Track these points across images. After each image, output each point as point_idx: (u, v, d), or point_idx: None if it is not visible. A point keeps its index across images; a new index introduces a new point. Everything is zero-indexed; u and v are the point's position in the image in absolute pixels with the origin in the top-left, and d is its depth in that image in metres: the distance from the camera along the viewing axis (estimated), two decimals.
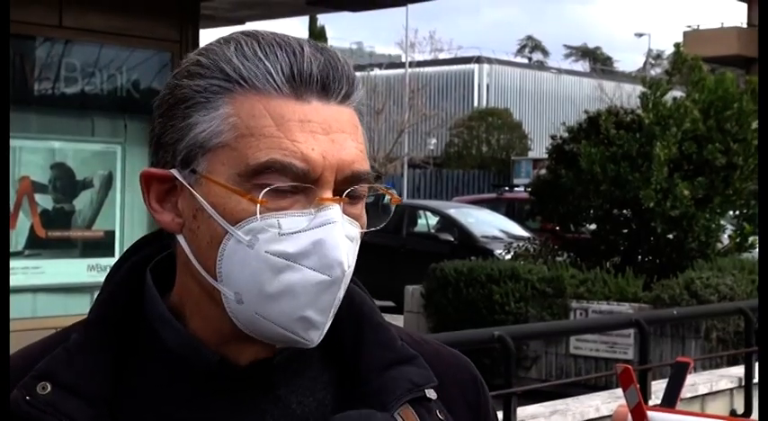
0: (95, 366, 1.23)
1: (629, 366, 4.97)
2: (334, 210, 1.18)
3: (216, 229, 1.19)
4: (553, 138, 13.68)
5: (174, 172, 1.22)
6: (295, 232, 1.17)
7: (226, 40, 1.24)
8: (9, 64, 6.48)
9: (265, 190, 1.17)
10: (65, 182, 7.68)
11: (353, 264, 1.22)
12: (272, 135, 1.18)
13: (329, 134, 1.20)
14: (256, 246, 1.17)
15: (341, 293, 1.21)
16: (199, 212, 1.21)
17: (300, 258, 1.17)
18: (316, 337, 1.20)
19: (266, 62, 1.20)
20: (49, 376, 1.21)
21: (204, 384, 1.24)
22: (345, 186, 1.20)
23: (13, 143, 7.30)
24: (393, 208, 1.30)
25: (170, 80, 1.26)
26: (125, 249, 1.35)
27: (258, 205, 1.17)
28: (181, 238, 1.24)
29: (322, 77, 1.21)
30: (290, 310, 1.18)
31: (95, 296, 1.32)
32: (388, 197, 1.28)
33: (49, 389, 1.20)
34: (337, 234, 1.17)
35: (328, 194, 1.19)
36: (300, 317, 1.18)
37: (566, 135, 13.28)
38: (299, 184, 1.18)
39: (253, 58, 1.20)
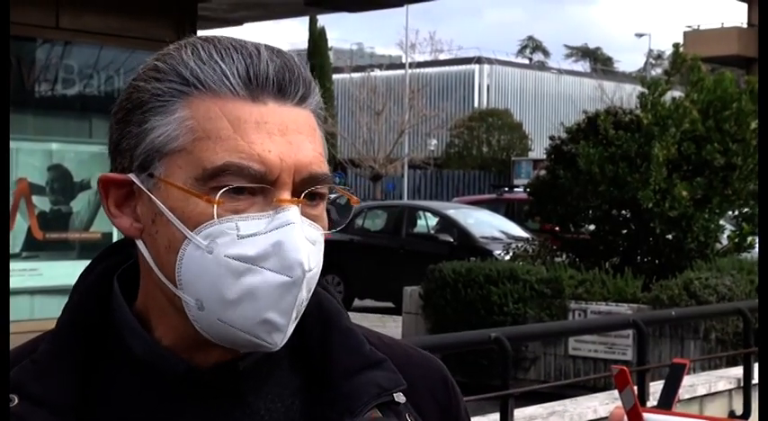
0: (63, 376, 1.23)
1: (625, 368, 4.96)
2: (293, 212, 1.18)
3: (174, 234, 1.19)
4: (552, 138, 13.68)
5: (132, 176, 1.22)
6: (254, 234, 1.17)
7: (183, 45, 1.24)
8: (9, 65, 6.46)
9: (222, 190, 1.16)
10: (62, 183, 7.69)
11: (318, 267, 1.22)
12: (229, 137, 1.18)
13: (286, 135, 1.20)
14: (215, 250, 1.17)
15: (303, 294, 1.20)
16: (158, 217, 1.20)
17: (260, 261, 1.17)
18: (279, 340, 1.20)
19: (222, 65, 1.20)
20: (16, 388, 1.21)
21: (172, 392, 1.24)
22: (303, 188, 1.20)
23: (10, 145, 7.30)
24: (353, 209, 1.30)
25: (128, 84, 1.26)
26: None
27: (215, 206, 1.16)
28: (140, 244, 1.23)
29: (278, 79, 1.21)
30: (252, 314, 1.17)
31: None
32: (345, 198, 1.28)
33: (17, 400, 1.20)
34: (296, 235, 1.17)
35: (286, 196, 1.18)
36: (263, 319, 1.18)
37: (564, 135, 13.27)
38: (257, 185, 1.18)
39: (209, 60, 1.20)
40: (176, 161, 1.19)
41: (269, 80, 1.20)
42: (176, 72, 1.21)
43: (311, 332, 1.29)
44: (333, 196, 1.26)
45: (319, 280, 1.27)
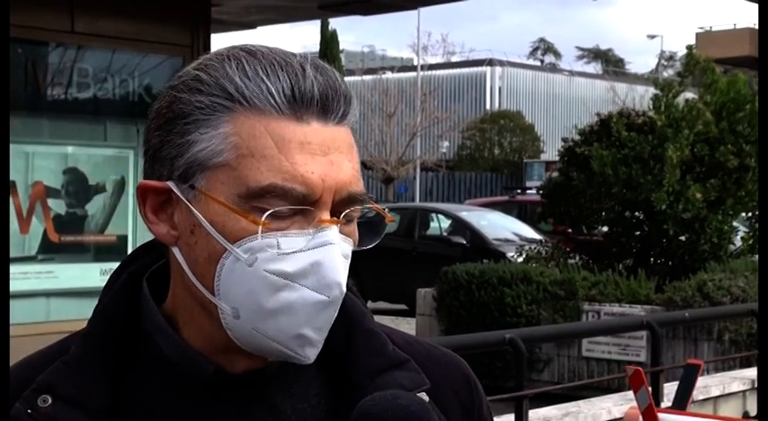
0: (94, 378, 1.25)
1: (640, 368, 4.97)
2: (333, 232, 1.20)
3: (215, 246, 1.21)
4: (565, 140, 13.68)
5: (172, 185, 1.24)
6: (293, 252, 1.19)
7: (226, 57, 1.24)
8: (9, 65, 6.51)
9: (267, 213, 1.18)
10: (77, 187, 7.72)
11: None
12: (273, 157, 1.19)
13: (327, 155, 1.21)
14: (255, 264, 1.19)
15: (336, 312, 1.23)
16: (197, 228, 1.22)
17: (299, 278, 1.19)
18: (312, 354, 1.22)
19: (268, 82, 1.21)
20: (49, 389, 1.23)
21: (201, 393, 1.26)
22: (342, 207, 1.22)
23: (26, 148, 7.34)
24: (385, 228, 1.31)
25: (166, 91, 1.26)
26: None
27: (260, 227, 1.18)
28: (176, 251, 1.25)
29: (322, 99, 1.22)
30: (287, 328, 1.20)
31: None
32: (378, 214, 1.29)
33: (50, 401, 1.23)
34: (336, 255, 1.19)
35: (326, 216, 1.20)
36: (297, 334, 1.20)
37: (577, 137, 13.27)
38: (299, 207, 1.19)
39: (254, 77, 1.21)
40: (219, 176, 1.21)
41: (314, 100, 1.21)
42: (220, 86, 1.22)
43: (336, 333, 1.31)
44: (364, 217, 1.27)
45: None
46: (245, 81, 1.21)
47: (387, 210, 1.29)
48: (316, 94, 1.21)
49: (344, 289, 1.21)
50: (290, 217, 1.20)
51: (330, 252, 1.19)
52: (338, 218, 1.21)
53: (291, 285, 1.19)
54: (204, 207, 1.21)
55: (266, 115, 1.20)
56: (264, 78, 1.21)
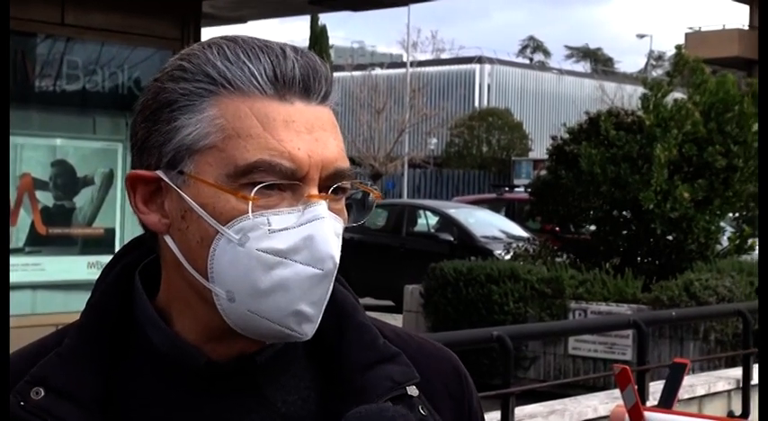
0: (87, 370, 1.26)
1: (627, 367, 4.98)
2: (322, 207, 1.22)
3: (206, 230, 1.22)
4: (554, 138, 13.70)
5: (161, 173, 1.25)
6: (285, 229, 1.20)
7: (207, 45, 1.27)
8: (8, 65, 6.48)
9: (257, 187, 1.20)
10: (66, 179, 7.70)
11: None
12: (259, 135, 1.21)
13: (312, 133, 1.24)
14: (247, 244, 1.20)
15: (331, 287, 1.24)
16: (188, 213, 1.23)
17: (291, 254, 1.20)
18: (309, 330, 1.23)
19: (250, 65, 1.23)
20: (42, 381, 1.24)
21: (192, 384, 1.27)
22: (329, 183, 1.24)
23: (14, 140, 7.32)
24: (375, 204, 1.33)
25: (151, 84, 1.28)
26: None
27: (250, 203, 1.20)
28: (168, 239, 1.26)
29: (304, 79, 1.24)
30: (284, 305, 1.21)
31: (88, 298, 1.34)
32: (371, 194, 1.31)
33: (43, 394, 1.23)
34: (327, 229, 1.21)
35: (315, 191, 1.22)
36: (294, 310, 1.21)
37: (566, 136, 13.29)
38: (287, 182, 1.21)
39: (236, 61, 1.24)
40: (206, 159, 1.22)
41: (295, 79, 1.24)
42: (204, 72, 1.24)
43: (327, 327, 1.32)
44: (351, 192, 1.29)
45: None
46: (227, 65, 1.24)
47: (373, 187, 1.31)
48: (297, 74, 1.24)
49: (337, 262, 1.22)
50: (278, 194, 1.21)
51: (321, 226, 1.20)
52: (327, 193, 1.23)
53: (284, 262, 1.20)
54: (194, 191, 1.23)
55: (250, 97, 1.23)
56: (246, 61, 1.24)
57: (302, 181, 1.22)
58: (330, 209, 1.23)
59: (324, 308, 1.24)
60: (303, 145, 1.22)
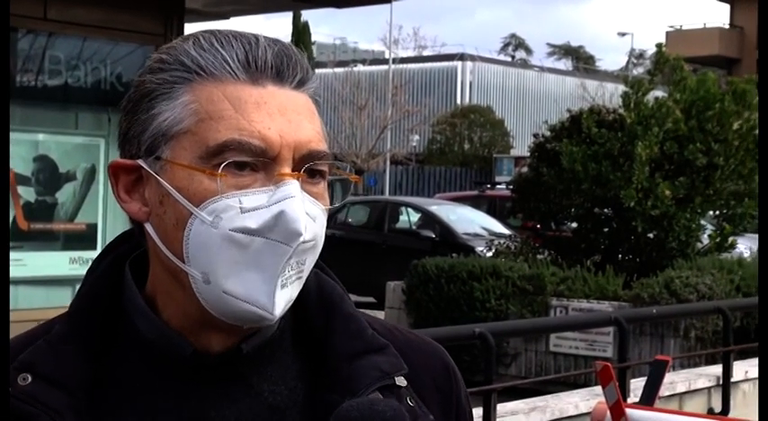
0: (76, 357, 1.27)
1: (609, 364, 5.01)
2: (293, 186, 1.23)
3: (181, 212, 1.24)
4: (535, 136, 13.73)
5: (141, 161, 1.27)
6: (256, 208, 1.22)
7: (185, 38, 1.30)
8: (8, 64, 6.43)
9: (224, 163, 1.21)
10: (48, 174, 7.68)
11: (317, 241, 1.27)
12: (230, 117, 1.23)
13: (285, 115, 1.25)
14: (220, 225, 1.22)
15: (306, 266, 1.26)
16: (165, 198, 1.25)
17: (263, 232, 1.22)
18: (278, 310, 1.24)
19: (222, 51, 1.26)
20: (29, 367, 1.25)
21: (179, 373, 1.28)
22: (303, 164, 1.25)
23: None
24: (352, 185, 1.34)
25: (135, 80, 1.31)
26: (107, 242, 1.39)
27: (219, 180, 1.21)
28: (148, 226, 1.28)
29: (276, 64, 1.26)
30: (257, 283, 1.22)
31: (77, 289, 1.36)
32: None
33: (30, 380, 1.24)
34: (297, 207, 1.22)
35: (287, 170, 1.23)
36: (267, 290, 1.22)
37: (548, 133, 13.32)
38: (258, 160, 1.22)
39: (210, 48, 1.27)
40: (181, 143, 1.25)
41: (267, 64, 1.26)
42: (179, 61, 1.27)
43: (313, 317, 1.33)
44: (331, 178, 1.30)
45: (319, 267, 1.33)
46: (200, 52, 1.26)
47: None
48: (269, 58, 1.26)
49: (308, 239, 1.23)
50: (250, 174, 1.23)
51: (291, 204, 1.21)
52: (299, 172, 1.24)
53: (256, 240, 1.21)
54: (170, 175, 1.25)
55: (223, 81, 1.25)
56: (219, 48, 1.26)
57: (274, 161, 1.23)
58: (307, 191, 1.25)
59: (296, 287, 1.25)
60: (274, 125, 1.24)
